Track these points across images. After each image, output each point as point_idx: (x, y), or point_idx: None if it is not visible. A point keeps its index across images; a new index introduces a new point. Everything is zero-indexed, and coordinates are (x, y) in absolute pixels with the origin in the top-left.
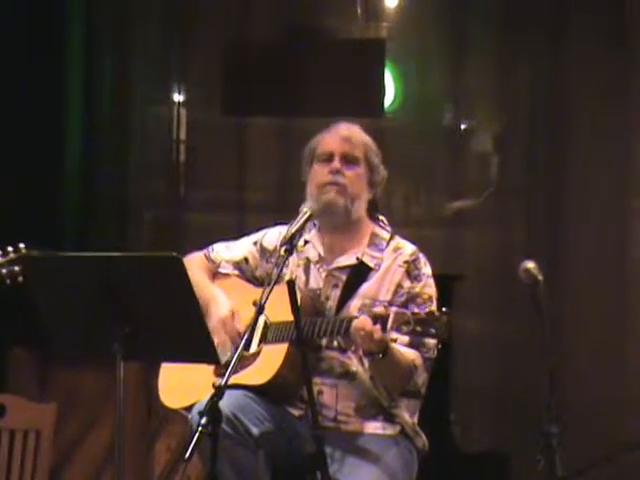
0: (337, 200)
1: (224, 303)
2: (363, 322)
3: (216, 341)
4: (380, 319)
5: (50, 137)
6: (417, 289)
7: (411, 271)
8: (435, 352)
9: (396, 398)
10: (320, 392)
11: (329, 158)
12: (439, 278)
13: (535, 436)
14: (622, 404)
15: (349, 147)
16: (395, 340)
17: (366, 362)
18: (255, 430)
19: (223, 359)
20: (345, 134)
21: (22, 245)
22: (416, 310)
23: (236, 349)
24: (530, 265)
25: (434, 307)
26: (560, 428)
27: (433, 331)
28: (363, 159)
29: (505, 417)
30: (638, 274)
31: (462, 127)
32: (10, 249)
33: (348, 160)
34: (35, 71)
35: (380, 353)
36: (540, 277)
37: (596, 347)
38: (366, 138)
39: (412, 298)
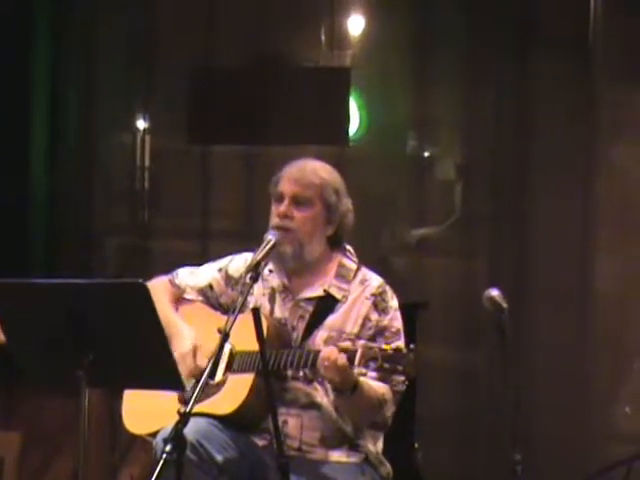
0: (284, 247)
1: (186, 337)
2: (329, 352)
3: None
4: (348, 353)
5: (15, 165)
6: (385, 322)
7: (378, 304)
8: (404, 386)
9: (362, 429)
10: (285, 422)
11: (280, 199)
12: (403, 307)
13: (499, 464)
14: (586, 431)
15: (300, 189)
16: (365, 374)
17: (331, 394)
18: (219, 457)
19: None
20: (295, 175)
21: None
22: (384, 345)
23: (197, 383)
24: (494, 293)
25: (402, 341)
26: (524, 455)
27: (400, 368)
28: (317, 198)
29: (469, 445)
30: (601, 303)
31: (426, 155)
32: None
33: (299, 202)
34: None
35: (349, 390)
36: (504, 305)
37: (559, 375)
38: (321, 175)
39: (380, 331)
